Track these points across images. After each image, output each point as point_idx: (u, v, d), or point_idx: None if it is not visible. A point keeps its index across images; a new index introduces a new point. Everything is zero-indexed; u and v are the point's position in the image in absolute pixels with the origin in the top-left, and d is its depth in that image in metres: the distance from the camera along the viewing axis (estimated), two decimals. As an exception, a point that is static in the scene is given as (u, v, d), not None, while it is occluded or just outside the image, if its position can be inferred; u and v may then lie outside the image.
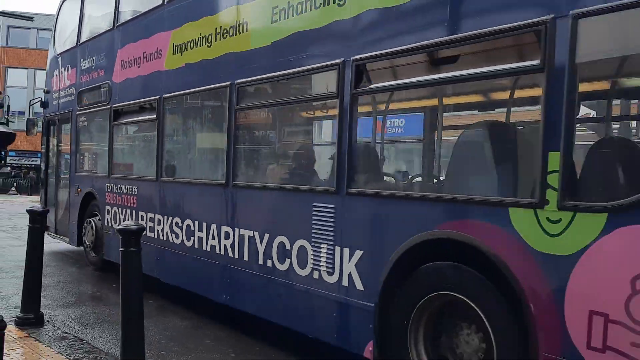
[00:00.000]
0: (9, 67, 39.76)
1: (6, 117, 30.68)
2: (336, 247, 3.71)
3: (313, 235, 3.87)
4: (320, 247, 3.83)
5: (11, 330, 4.36)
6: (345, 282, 3.64)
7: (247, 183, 4.75)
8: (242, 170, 4.94)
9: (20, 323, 4.57)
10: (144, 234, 3.99)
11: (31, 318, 4.62)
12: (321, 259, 3.82)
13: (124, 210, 6.55)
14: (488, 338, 2.91)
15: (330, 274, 3.74)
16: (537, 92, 2.81)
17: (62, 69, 8.60)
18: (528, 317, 2.68)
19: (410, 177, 5.00)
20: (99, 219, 7.28)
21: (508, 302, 2.79)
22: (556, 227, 2.59)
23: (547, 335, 2.61)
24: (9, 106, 34.23)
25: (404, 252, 3.26)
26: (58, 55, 8.87)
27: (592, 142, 3.02)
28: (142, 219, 6.13)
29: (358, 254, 3.57)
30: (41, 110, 9.62)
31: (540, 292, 2.65)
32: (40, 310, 4.73)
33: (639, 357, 2.29)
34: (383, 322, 3.41)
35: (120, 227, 3.41)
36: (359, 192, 3.66)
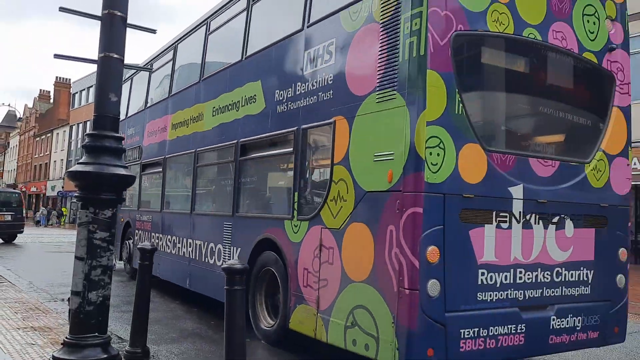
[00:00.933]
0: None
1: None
2: (232, 246, 6.58)
3: (223, 240, 6.80)
4: (225, 247, 6.72)
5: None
6: (236, 266, 6.75)
7: (198, 211, 7.90)
8: (198, 204, 8.03)
9: (129, 357, 4.77)
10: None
11: (138, 353, 4.83)
12: (226, 253, 6.70)
13: (144, 232, 9.91)
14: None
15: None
16: (291, 165, 5.65)
17: (126, 128, 11.74)
18: (287, 272, 5.35)
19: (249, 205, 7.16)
20: (133, 241, 10.55)
21: (284, 268, 5.44)
22: (296, 228, 5.30)
23: (293, 279, 5.25)
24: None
25: (254, 246, 6.03)
26: (122, 120, 12.73)
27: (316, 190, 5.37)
28: (152, 238, 9.33)
29: (239, 249, 6.41)
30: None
31: (292, 260, 5.29)
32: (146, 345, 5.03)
33: (314, 287, 4.90)
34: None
35: (139, 246, 4.88)
36: (240, 215, 6.58)
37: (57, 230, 33.97)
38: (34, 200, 60.64)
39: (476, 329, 3.86)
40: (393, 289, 3.80)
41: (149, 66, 10.47)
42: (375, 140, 4.16)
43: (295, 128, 5.41)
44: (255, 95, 6.30)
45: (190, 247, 7.77)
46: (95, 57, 3.87)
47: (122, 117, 11.53)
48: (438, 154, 3.74)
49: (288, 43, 5.80)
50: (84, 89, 51.79)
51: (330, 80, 4.88)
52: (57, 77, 62.56)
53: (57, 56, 3.48)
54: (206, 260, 7.21)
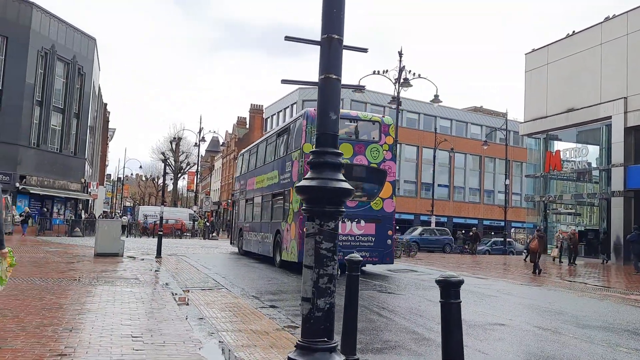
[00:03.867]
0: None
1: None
2: (269, 232, 17.84)
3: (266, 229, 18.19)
4: (267, 232, 17.94)
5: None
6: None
7: (263, 220, 18.67)
8: (262, 217, 19.03)
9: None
10: (242, 230, 22.40)
11: (355, 360, 5.01)
12: (266, 234, 17.92)
13: (247, 232, 21.26)
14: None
15: (269, 240, 17.59)
16: (285, 201, 16.44)
17: (236, 182, 25.14)
18: (282, 239, 15.76)
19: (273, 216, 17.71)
20: (243, 237, 21.96)
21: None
22: (285, 224, 15.85)
23: (284, 242, 15.54)
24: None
25: (275, 231, 16.81)
26: (236, 176, 25.92)
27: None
28: (250, 234, 20.56)
29: (270, 233, 17.55)
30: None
31: (283, 235, 15.75)
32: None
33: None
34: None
35: (347, 257, 5.48)
36: (273, 221, 17.40)
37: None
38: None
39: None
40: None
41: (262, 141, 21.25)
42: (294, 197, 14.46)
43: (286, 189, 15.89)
44: (274, 176, 17.06)
45: (259, 235, 18.95)
46: (299, 79, 4.14)
47: (238, 173, 25.17)
48: None
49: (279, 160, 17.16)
50: (275, 114, 56.34)
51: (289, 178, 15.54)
52: (251, 104, 69.04)
53: (284, 81, 3.83)
54: (265, 241, 17.83)
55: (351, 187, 3.61)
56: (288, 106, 52.34)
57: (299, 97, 49.52)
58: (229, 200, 43.72)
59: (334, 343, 3.46)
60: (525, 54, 33.61)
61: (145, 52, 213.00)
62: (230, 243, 25.89)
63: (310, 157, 3.63)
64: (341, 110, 16.43)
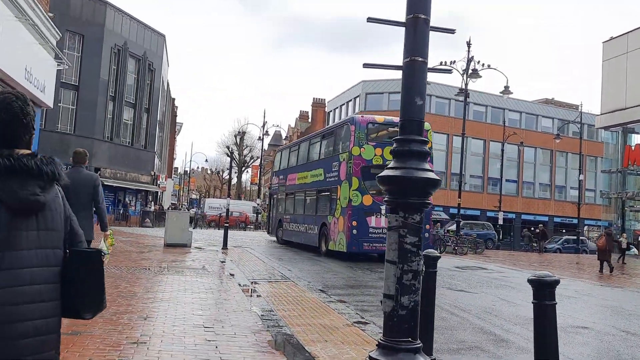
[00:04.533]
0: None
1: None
2: (314, 224, 18.99)
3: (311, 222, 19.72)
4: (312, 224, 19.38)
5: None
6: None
7: (307, 214, 20.15)
8: (306, 210, 20.52)
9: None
10: (283, 225, 23.39)
11: (435, 362, 4.79)
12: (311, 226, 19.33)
13: (287, 223, 22.40)
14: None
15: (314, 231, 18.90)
16: (333, 195, 18.06)
17: (274, 177, 25.88)
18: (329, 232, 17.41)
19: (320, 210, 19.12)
20: (282, 227, 22.96)
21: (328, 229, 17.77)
22: (331, 218, 17.43)
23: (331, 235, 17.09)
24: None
25: (321, 224, 18.50)
26: (274, 171, 26.62)
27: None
28: (288, 224, 22.23)
29: (316, 225, 18.80)
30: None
31: (330, 227, 17.18)
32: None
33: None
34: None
35: (424, 253, 6.03)
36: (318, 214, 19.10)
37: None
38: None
39: (363, 242, 15.65)
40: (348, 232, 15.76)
41: (296, 146, 23.38)
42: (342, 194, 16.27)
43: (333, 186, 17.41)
44: (320, 173, 18.42)
45: (302, 226, 20.23)
46: (384, 63, 3.92)
47: (276, 169, 26.13)
48: (355, 196, 15.71)
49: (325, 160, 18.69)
50: (337, 107, 56.20)
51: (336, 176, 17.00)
52: (314, 98, 69.24)
53: (366, 65, 3.63)
54: (309, 232, 19.30)
55: (438, 178, 3.36)
56: (351, 99, 52.02)
57: (362, 90, 49.10)
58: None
59: (418, 344, 3.25)
60: (603, 43, 31.78)
61: (209, 49, 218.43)
62: (268, 233, 26.77)
63: (394, 146, 3.40)
64: (385, 117, 17.26)
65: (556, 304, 3.35)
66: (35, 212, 2.00)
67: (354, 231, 15.52)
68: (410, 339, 3.20)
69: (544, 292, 3.32)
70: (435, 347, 5.75)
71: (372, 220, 15.68)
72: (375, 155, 15.78)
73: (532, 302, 3.33)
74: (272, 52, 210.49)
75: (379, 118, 17.36)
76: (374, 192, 15.47)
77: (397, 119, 19.28)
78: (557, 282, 3.36)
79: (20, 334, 1.91)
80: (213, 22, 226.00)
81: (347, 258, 16.17)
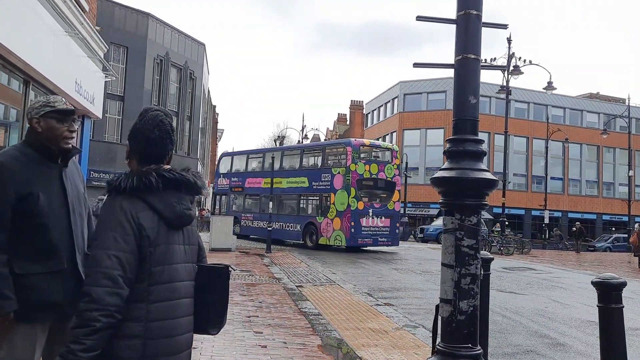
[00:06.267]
0: (405, 130, 48.27)
1: (405, 172, 38.56)
2: (296, 223, 22.05)
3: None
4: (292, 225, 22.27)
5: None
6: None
7: (258, 213, 24.51)
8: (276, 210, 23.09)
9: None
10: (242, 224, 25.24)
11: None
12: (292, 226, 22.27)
13: (247, 221, 24.95)
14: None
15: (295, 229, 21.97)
16: (320, 200, 21.79)
17: (221, 178, 27.25)
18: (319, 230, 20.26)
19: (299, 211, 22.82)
20: (240, 225, 24.76)
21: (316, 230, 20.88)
22: (320, 219, 20.70)
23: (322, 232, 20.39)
24: (406, 163, 42.73)
25: (305, 223, 21.49)
26: (221, 173, 27.61)
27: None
28: (249, 222, 24.85)
29: (299, 224, 21.90)
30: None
31: (319, 227, 20.43)
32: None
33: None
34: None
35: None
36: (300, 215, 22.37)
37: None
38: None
39: (358, 238, 19.49)
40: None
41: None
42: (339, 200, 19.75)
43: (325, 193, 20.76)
44: (303, 181, 21.75)
45: (277, 225, 21.76)
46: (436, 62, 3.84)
47: (226, 170, 27.48)
48: (353, 202, 19.43)
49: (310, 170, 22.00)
50: (375, 109, 55.94)
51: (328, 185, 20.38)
52: (352, 101, 69.16)
53: (416, 65, 3.56)
54: (290, 230, 22.42)
55: (495, 178, 3.26)
56: (389, 100, 51.65)
57: (400, 91, 48.67)
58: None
59: (479, 350, 3.14)
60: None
61: (246, 56, 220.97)
62: None
63: (447, 146, 3.32)
64: (370, 141, 23.45)
65: (623, 307, 3.19)
66: (184, 226, 2.05)
67: (352, 230, 19.24)
68: (470, 345, 3.11)
69: (609, 295, 3.19)
70: (489, 351, 5.66)
71: (364, 221, 19.59)
72: (365, 170, 19.94)
73: (597, 306, 3.20)
74: (307, 57, 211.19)
75: (366, 141, 22.59)
76: (366, 198, 19.98)
77: (378, 142, 24.98)
78: (623, 284, 3.21)
79: (179, 347, 1.97)
80: (247, 29, 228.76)
81: (335, 250, 20.39)
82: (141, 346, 1.86)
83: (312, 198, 21.84)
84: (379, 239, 20.08)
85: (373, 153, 21.42)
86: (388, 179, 20.76)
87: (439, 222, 36.78)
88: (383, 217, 20.16)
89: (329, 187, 20.43)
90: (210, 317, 2.14)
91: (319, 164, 21.96)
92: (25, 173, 2.42)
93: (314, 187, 21.21)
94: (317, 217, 20.89)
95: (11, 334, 2.39)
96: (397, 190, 21.47)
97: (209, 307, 2.12)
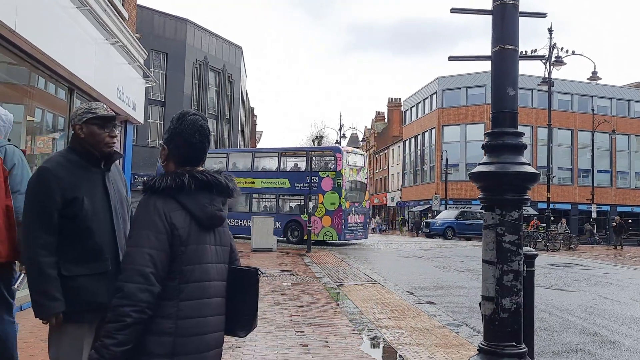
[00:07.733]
0: (445, 126, 47.56)
1: (445, 169, 37.88)
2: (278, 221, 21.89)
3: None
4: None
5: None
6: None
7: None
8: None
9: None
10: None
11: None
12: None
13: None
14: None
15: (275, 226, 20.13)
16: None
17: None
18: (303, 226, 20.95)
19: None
20: None
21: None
22: (305, 216, 21.12)
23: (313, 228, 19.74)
24: (446, 159, 41.89)
25: (287, 221, 22.45)
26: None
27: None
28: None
29: (280, 222, 22.18)
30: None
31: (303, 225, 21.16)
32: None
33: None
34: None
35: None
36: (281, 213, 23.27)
37: (394, 237, 36.76)
38: (377, 211, 67.42)
39: (347, 233, 21.62)
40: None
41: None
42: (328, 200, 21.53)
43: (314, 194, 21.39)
44: (283, 182, 22.69)
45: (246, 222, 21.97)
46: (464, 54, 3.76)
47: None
48: (344, 202, 21.21)
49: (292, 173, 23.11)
50: (413, 106, 55.37)
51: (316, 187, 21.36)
52: (389, 98, 68.68)
53: (451, 58, 3.50)
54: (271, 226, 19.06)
55: (536, 171, 3.17)
56: (427, 97, 51.01)
57: (438, 87, 48.01)
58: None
59: (523, 348, 3.08)
60: None
61: (283, 57, 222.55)
62: None
63: (486, 140, 3.25)
64: (353, 148, 26.91)
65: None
66: (216, 227, 2.09)
67: (343, 227, 21.36)
68: (514, 343, 3.04)
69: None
70: (536, 349, 5.54)
71: (350, 218, 21.81)
72: (350, 173, 22.18)
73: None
74: (342, 57, 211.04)
75: (350, 149, 24.84)
76: (350, 199, 22.05)
77: (357, 149, 27.60)
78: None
79: (208, 345, 2.00)
80: (284, 32, 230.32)
81: (323, 244, 21.84)
82: (171, 343, 1.90)
83: (295, 198, 23.39)
84: (358, 233, 22.78)
85: (353, 158, 23.36)
86: (363, 181, 23.65)
87: (444, 216, 35.61)
88: (360, 214, 22.92)
89: (316, 188, 21.94)
90: (239, 319, 2.16)
91: (305, 168, 23.07)
92: (70, 178, 2.50)
93: (297, 188, 22.64)
94: (301, 216, 22.19)
95: (60, 334, 2.47)
96: (367, 191, 24.59)
97: (238, 309, 2.15)
